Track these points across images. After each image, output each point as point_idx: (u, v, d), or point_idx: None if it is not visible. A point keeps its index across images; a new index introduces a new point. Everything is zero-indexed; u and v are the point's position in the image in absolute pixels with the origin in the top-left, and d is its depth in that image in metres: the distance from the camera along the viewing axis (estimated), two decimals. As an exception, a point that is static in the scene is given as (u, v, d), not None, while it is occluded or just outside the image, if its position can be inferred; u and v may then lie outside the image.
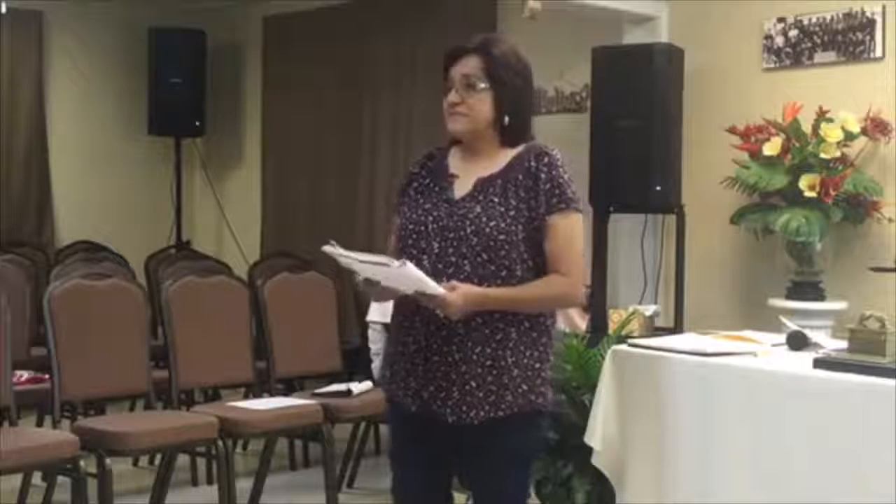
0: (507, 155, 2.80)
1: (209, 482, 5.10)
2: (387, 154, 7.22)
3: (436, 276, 2.65)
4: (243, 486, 4.72)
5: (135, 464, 5.41)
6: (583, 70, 5.68)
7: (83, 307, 4.59)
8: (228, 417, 4.54)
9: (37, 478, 4.69)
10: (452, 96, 2.78)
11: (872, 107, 4.83)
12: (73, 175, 8.07)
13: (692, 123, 5.38)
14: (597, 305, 5.37)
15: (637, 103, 5.20)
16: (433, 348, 2.72)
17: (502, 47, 2.80)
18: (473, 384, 2.70)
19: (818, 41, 5.14)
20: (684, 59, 5.37)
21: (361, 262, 2.63)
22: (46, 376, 4.64)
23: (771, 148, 4.88)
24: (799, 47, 5.20)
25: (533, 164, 2.76)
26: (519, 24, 5.79)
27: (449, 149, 2.90)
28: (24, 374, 4.94)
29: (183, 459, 5.03)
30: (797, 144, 4.87)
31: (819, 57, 5.14)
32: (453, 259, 2.69)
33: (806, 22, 5.18)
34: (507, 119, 2.78)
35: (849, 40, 5.04)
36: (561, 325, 5.36)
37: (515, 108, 2.80)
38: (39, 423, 5.20)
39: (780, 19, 5.26)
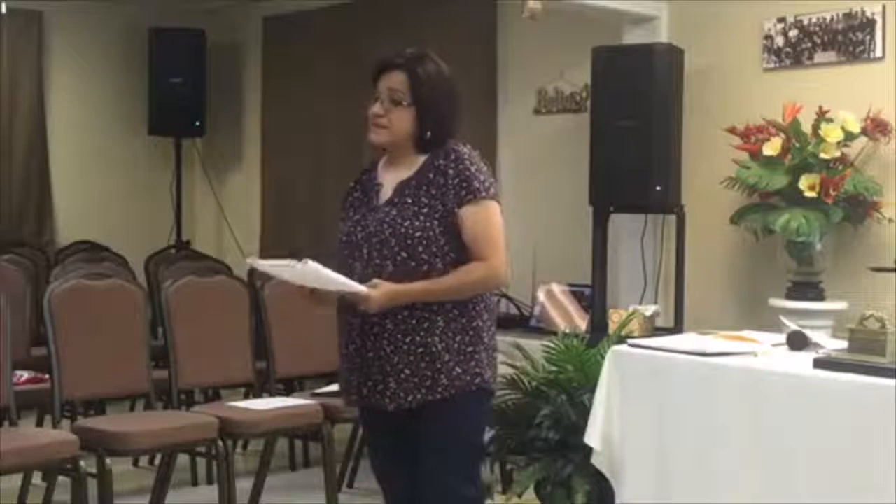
0: (422, 158, 2.99)
1: (209, 482, 5.10)
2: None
3: (365, 279, 2.86)
4: (243, 486, 4.72)
5: (135, 464, 5.41)
6: (583, 70, 5.67)
7: (83, 307, 4.59)
8: (228, 417, 4.55)
9: (37, 478, 4.69)
10: (377, 108, 2.97)
11: (872, 107, 4.83)
12: (73, 175, 8.07)
13: (692, 123, 5.38)
14: (597, 305, 5.37)
15: (637, 103, 5.20)
16: (367, 346, 2.94)
17: (429, 67, 2.99)
18: (408, 371, 2.91)
19: (818, 41, 5.14)
20: (684, 59, 5.37)
21: (273, 267, 2.94)
22: (46, 376, 4.64)
23: (771, 148, 4.87)
24: (799, 47, 5.20)
25: (442, 161, 2.94)
26: (519, 24, 5.81)
27: (379, 160, 3.10)
28: (24, 374, 4.94)
29: (183, 459, 5.03)
30: (797, 144, 4.87)
31: (819, 57, 5.14)
32: (378, 262, 2.91)
33: (806, 22, 5.18)
34: (428, 135, 2.97)
35: (849, 40, 5.04)
36: (561, 324, 5.38)
37: (436, 125, 2.97)
38: (39, 423, 5.20)
39: (780, 19, 5.26)
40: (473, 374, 2.94)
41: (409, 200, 2.92)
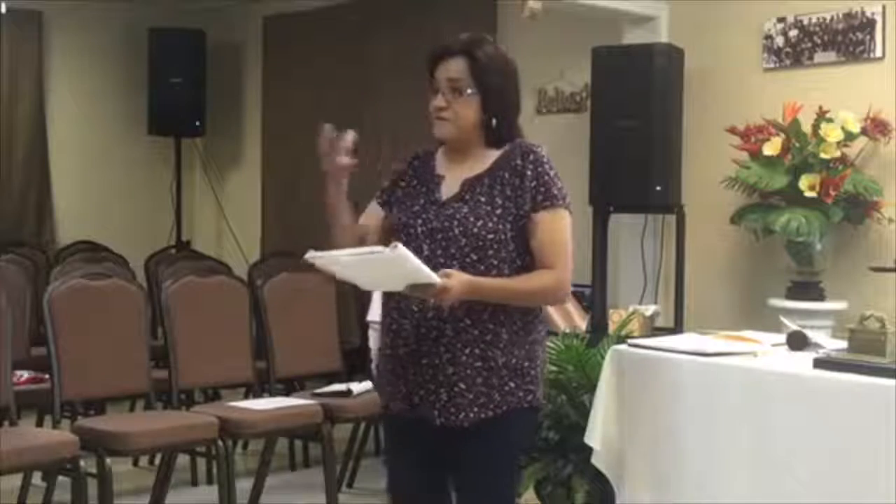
0: (493, 154, 2.79)
1: (209, 482, 5.10)
2: (387, 154, 7.21)
3: None
4: (243, 486, 4.72)
5: (135, 464, 5.41)
6: (583, 70, 5.68)
7: (83, 307, 4.58)
8: (228, 417, 4.54)
9: (37, 478, 4.69)
10: (439, 101, 2.77)
11: (872, 107, 4.83)
12: (73, 175, 8.08)
13: (692, 123, 5.38)
14: (597, 305, 5.37)
15: (637, 103, 5.20)
16: (422, 351, 2.71)
17: (488, 49, 2.78)
18: (462, 385, 2.69)
19: (818, 41, 5.14)
20: (684, 59, 5.37)
21: (348, 257, 2.59)
22: (46, 376, 4.64)
23: (771, 148, 4.88)
24: (799, 47, 5.20)
25: (519, 162, 2.75)
26: (519, 24, 5.80)
27: (435, 150, 2.89)
28: (24, 374, 4.94)
29: (183, 459, 5.03)
30: (797, 144, 4.87)
31: (819, 57, 5.14)
32: (442, 261, 2.67)
33: (806, 22, 5.18)
34: (493, 122, 2.77)
35: (849, 40, 5.04)
36: (561, 324, 5.37)
37: (501, 110, 2.78)
38: (39, 423, 5.19)
39: (780, 19, 5.26)
40: (526, 390, 2.74)
41: (483, 199, 2.72)
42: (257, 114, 8.38)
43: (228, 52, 8.48)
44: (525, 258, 2.73)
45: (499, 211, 2.71)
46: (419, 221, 2.76)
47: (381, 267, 2.56)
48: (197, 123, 8.12)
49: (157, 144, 8.30)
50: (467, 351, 2.69)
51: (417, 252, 2.66)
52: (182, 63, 8.01)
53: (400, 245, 2.50)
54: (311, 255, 2.62)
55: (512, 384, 2.72)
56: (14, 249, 6.57)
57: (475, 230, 2.69)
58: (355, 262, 2.59)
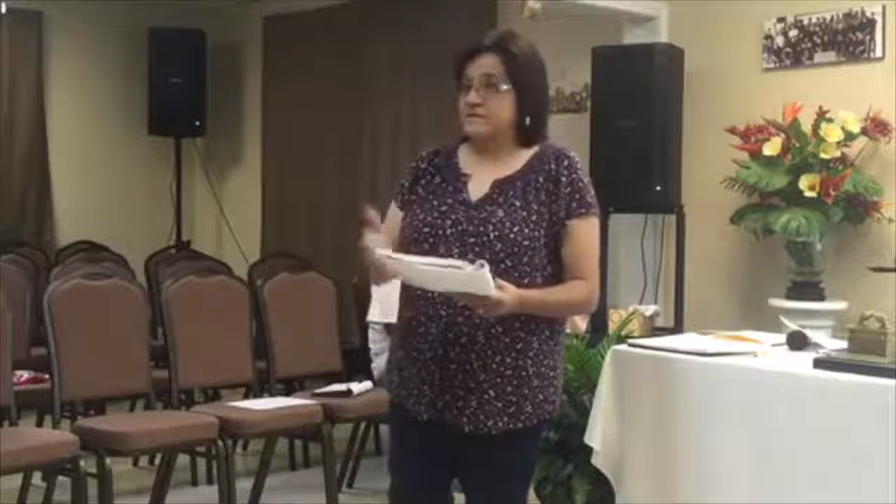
0: (524, 155, 2.72)
1: (209, 482, 5.10)
2: (387, 154, 7.22)
3: None
4: (243, 486, 4.72)
5: (135, 464, 5.40)
6: (583, 70, 5.68)
7: (83, 307, 4.58)
8: (228, 417, 4.54)
9: (37, 478, 4.68)
10: (473, 97, 2.67)
11: (872, 107, 4.83)
12: (73, 175, 8.08)
13: (692, 123, 5.38)
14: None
15: (637, 103, 5.20)
16: (451, 356, 2.64)
17: (521, 45, 2.70)
18: (492, 393, 2.64)
19: (818, 41, 5.14)
20: (684, 59, 5.38)
21: (426, 266, 2.48)
22: (46, 376, 4.64)
23: (771, 148, 4.88)
24: (799, 47, 5.20)
25: (553, 166, 2.68)
26: (519, 25, 5.79)
27: (457, 146, 2.80)
28: (24, 374, 4.94)
29: (183, 459, 5.03)
30: (797, 144, 4.87)
31: (819, 57, 5.15)
32: None
33: (806, 22, 5.18)
34: (527, 120, 2.70)
35: (849, 40, 5.04)
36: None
37: (535, 108, 2.71)
38: (39, 423, 5.20)
39: (780, 19, 5.26)
40: (551, 401, 2.71)
41: (518, 203, 2.64)
42: (257, 114, 8.38)
43: (228, 52, 8.48)
44: (554, 266, 2.67)
45: (534, 217, 2.64)
46: (448, 222, 2.66)
47: (451, 277, 2.46)
48: (197, 123, 8.12)
49: (157, 144, 8.30)
50: (498, 359, 2.63)
51: (446, 254, 2.59)
52: (182, 63, 8.01)
53: (486, 265, 2.39)
54: (383, 255, 2.52)
55: (542, 396, 2.69)
56: (14, 249, 6.58)
57: (511, 236, 2.61)
58: (429, 270, 2.49)
